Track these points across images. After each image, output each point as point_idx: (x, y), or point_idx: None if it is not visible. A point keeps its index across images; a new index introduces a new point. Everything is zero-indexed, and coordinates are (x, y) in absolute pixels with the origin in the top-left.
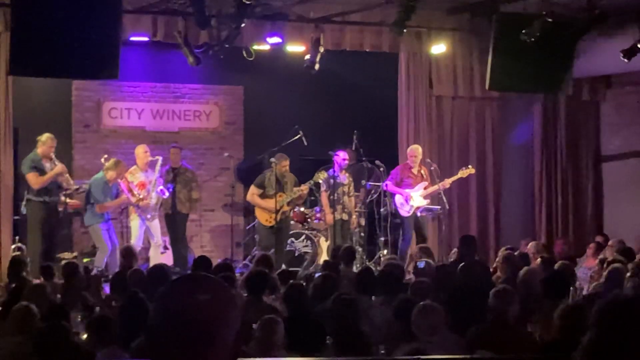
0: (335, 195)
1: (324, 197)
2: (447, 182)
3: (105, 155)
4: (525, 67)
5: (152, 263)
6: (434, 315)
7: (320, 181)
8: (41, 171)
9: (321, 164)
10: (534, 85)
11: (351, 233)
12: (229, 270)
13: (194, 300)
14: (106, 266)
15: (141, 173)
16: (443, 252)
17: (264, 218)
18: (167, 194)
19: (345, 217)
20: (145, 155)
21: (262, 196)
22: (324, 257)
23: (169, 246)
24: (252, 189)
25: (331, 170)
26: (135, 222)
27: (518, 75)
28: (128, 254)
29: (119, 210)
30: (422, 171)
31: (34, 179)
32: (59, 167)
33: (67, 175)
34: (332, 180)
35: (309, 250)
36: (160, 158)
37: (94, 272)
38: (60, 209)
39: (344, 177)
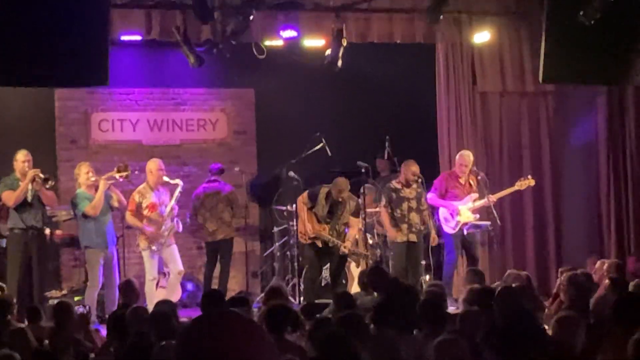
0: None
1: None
2: (498, 195)
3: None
4: (585, 54)
5: (164, 297)
6: (455, 349)
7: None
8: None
9: (348, 177)
10: (596, 76)
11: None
12: (245, 305)
13: (219, 343)
14: (102, 305)
15: (152, 193)
16: (496, 276)
17: (299, 233)
18: (181, 227)
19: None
20: (160, 174)
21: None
22: (354, 286)
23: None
24: (303, 198)
25: None
26: (145, 253)
27: (576, 64)
28: (127, 290)
29: (119, 234)
30: (471, 180)
31: (7, 196)
32: (31, 171)
33: (44, 187)
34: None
35: None
36: (181, 184)
37: (81, 310)
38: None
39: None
